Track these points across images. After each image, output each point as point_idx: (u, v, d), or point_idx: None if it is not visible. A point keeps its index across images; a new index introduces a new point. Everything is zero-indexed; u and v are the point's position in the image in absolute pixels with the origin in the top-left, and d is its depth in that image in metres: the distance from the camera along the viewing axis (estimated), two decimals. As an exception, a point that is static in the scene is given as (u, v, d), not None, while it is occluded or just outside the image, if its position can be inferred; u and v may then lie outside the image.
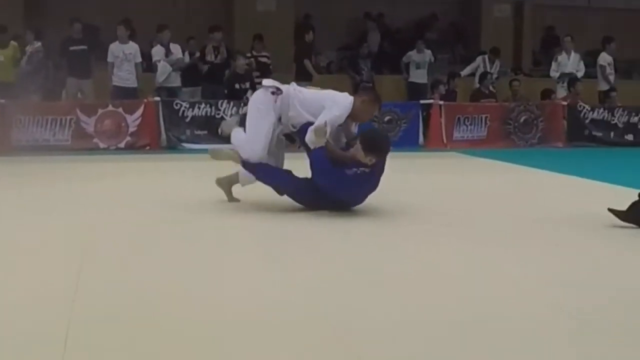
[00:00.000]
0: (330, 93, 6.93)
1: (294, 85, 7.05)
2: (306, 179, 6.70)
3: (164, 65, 14.51)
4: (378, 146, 6.61)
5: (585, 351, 3.33)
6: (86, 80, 14.47)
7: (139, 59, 14.38)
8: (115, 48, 14.14)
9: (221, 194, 7.32)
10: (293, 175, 6.82)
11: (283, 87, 6.92)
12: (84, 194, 8.00)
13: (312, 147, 6.58)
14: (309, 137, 6.60)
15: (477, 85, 16.76)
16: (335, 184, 6.54)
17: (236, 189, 7.19)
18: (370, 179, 6.62)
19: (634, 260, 5.19)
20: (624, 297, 4.21)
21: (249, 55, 15.87)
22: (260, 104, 6.88)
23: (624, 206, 6.19)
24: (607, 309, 3.96)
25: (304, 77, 14.69)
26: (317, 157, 6.53)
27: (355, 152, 6.56)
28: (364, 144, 6.50)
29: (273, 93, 6.83)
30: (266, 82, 7.06)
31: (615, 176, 9.60)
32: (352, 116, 6.80)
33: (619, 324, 3.72)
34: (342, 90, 7.25)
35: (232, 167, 7.26)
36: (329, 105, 6.68)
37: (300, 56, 15.84)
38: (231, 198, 7.23)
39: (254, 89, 14.51)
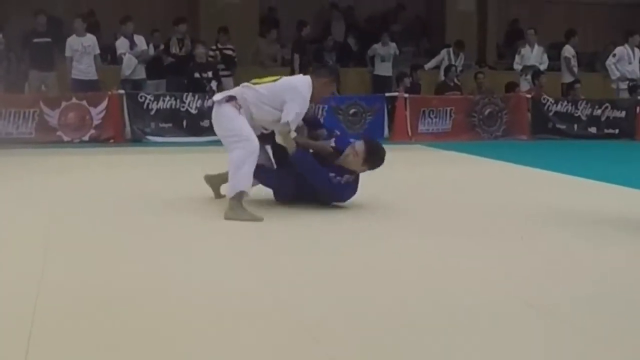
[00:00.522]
0: (287, 82, 6.74)
1: (244, 85, 6.81)
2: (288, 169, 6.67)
3: (130, 57, 14.42)
4: (379, 161, 6.73)
5: (553, 344, 3.36)
6: (50, 73, 14.31)
7: (98, 51, 14.28)
8: (73, 41, 14.03)
9: (185, 185, 7.30)
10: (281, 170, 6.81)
11: (234, 92, 6.72)
12: (48, 187, 7.94)
13: (289, 151, 6.55)
14: (278, 139, 6.58)
15: (442, 78, 16.81)
16: (319, 185, 6.55)
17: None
18: (353, 186, 6.69)
19: (598, 252, 5.24)
20: (589, 290, 4.25)
21: (213, 47, 15.82)
22: (226, 115, 6.54)
23: (588, 198, 6.24)
24: (571, 302, 4.00)
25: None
26: (300, 160, 6.52)
27: (351, 162, 6.61)
28: (368, 154, 6.61)
29: (228, 101, 6.56)
30: (216, 97, 6.73)
31: (579, 168, 9.70)
32: (311, 98, 6.66)
33: (585, 316, 3.76)
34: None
35: (207, 168, 7.22)
36: (289, 97, 6.48)
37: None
38: (218, 195, 7.10)
39: (218, 79, 14.51)
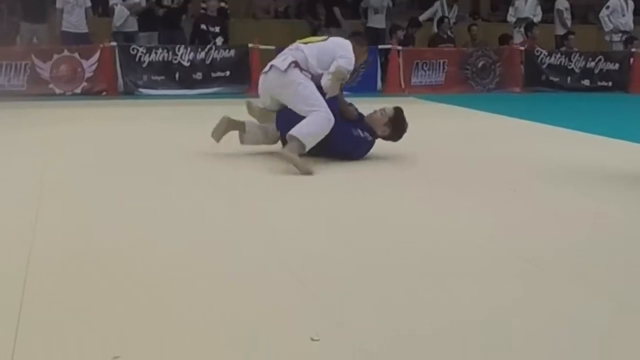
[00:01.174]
0: (339, 40, 6.87)
1: (292, 47, 6.79)
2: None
3: (122, 9, 14.32)
4: (400, 129, 6.86)
5: (534, 289, 3.38)
6: (41, 25, 14.21)
7: (89, 4, 14.18)
8: None
9: (180, 138, 7.27)
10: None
11: (291, 56, 6.64)
12: (40, 137, 7.93)
13: (327, 93, 6.53)
14: (325, 82, 6.53)
15: (436, 30, 16.75)
16: (338, 137, 6.55)
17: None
18: (369, 145, 6.78)
19: (587, 205, 5.26)
20: (575, 243, 4.27)
21: (205, -1, 15.72)
22: (299, 82, 6.49)
23: (580, 150, 6.25)
24: (559, 253, 4.02)
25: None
26: (331, 107, 6.53)
27: (376, 118, 6.76)
28: (395, 118, 6.77)
29: (295, 67, 6.53)
30: (276, 62, 6.64)
31: (571, 121, 9.71)
32: None
33: (569, 265, 3.79)
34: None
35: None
36: (341, 53, 6.57)
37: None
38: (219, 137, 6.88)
39: (225, 35, 14.44)
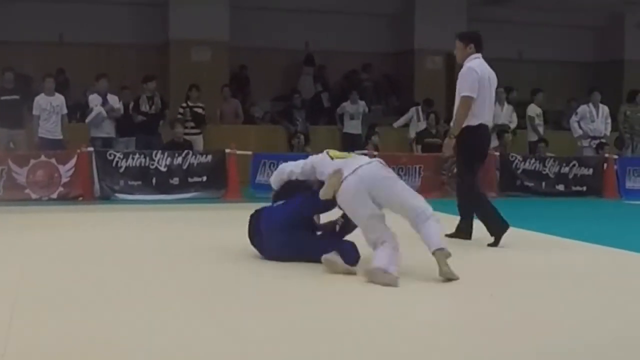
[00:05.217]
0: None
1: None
2: None
3: (99, 109, 14.38)
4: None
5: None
6: (18, 130, 14.29)
7: (65, 111, 14.34)
8: (42, 100, 14.08)
9: (152, 243, 7.24)
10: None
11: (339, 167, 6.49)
12: (16, 244, 7.88)
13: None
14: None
15: (412, 136, 17.07)
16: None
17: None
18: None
19: (562, 307, 5.26)
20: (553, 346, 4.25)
21: (184, 105, 15.90)
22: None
23: (552, 253, 6.27)
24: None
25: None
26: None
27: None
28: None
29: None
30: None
31: (547, 226, 9.75)
32: None
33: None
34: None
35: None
36: None
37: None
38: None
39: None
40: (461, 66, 8.48)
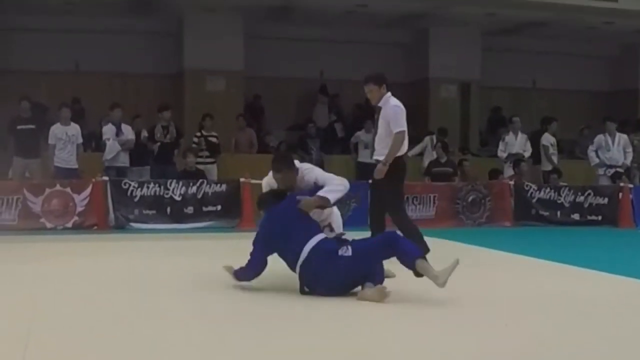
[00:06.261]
0: None
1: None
2: None
3: (113, 143, 14.50)
4: None
5: None
6: (34, 159, 14.36)
7: (81, 140, 14.44)
8: (57, 130, 14.15)
9: (170, 273, 7.23)
10: None
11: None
12: (30, 273, 7.88)
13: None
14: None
15: (425, 165, 17.04)
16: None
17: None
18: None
19: (577, 337, 5.22)
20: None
21: (198, 134, 15.94)
22: None
23: (568, 283, 6.23)
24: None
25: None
26: None
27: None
28: None
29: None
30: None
31: (562, 255, 9.71)
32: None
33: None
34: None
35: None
36: None
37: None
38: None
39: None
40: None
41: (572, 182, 16.42)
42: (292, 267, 6.54)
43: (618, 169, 16.40)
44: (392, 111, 8.95)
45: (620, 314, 6.16)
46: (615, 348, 4.99)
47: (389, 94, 9.06)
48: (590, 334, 5.39)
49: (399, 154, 9.02)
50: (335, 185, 6.91)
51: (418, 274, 6.45)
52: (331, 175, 7.10)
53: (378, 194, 9.49)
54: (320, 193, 6.78)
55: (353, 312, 6.00)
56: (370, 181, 9.45)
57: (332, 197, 6.82)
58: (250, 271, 6.73)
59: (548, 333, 5.39)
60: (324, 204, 6.82)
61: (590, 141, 17.13)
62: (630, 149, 16.61)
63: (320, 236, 6.56)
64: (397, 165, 9.02)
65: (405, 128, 9.00)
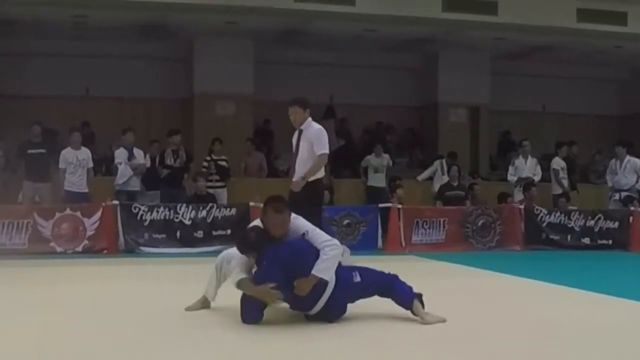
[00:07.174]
0: None
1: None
2: None
3: (125, 168, 14.54)
4: None
5: None
6: (44, 184, 14.38)
7: (91, 164, 14.47)
8: (68, 154, 14.20)
9: (179, 298, 7.23)
10: None
11: None
12: (40, 298, 7.87)
13: None
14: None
15: (435, 189, 17.02)
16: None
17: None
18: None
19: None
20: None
21: (208, 158, 15.97)
22: None
23: (578, 308, 6.19)
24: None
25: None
26: None
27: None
28: None
29: None
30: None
31: (573, 280, 9.67)
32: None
33: None
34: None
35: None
36: None
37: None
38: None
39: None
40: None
41: (584, 206, 16.41)
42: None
43: (630, 194, 16.31)
44: (316, 134, 9.27)
45: (636, 339, 6.12)
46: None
47: (310, 118, 9.45)
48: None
49: (319, 176, 9.31)
50: (330, 258, 6.26)
51: (413, 313, 6.52)
52: (320, 232, 6.51)
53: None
54: (316, 272, 6.17)
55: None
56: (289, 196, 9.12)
57: (328, 276, 6.25)
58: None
59: (560, 358, 5.36)
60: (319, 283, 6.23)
61: (601, 165, 17.12)
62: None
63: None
64: (317, 187, 9.34)
65: (328, 152, 9.33)
